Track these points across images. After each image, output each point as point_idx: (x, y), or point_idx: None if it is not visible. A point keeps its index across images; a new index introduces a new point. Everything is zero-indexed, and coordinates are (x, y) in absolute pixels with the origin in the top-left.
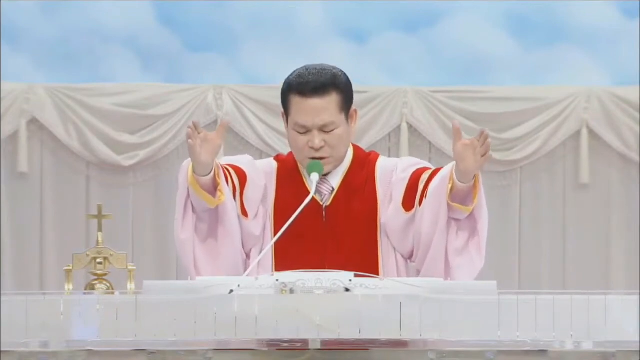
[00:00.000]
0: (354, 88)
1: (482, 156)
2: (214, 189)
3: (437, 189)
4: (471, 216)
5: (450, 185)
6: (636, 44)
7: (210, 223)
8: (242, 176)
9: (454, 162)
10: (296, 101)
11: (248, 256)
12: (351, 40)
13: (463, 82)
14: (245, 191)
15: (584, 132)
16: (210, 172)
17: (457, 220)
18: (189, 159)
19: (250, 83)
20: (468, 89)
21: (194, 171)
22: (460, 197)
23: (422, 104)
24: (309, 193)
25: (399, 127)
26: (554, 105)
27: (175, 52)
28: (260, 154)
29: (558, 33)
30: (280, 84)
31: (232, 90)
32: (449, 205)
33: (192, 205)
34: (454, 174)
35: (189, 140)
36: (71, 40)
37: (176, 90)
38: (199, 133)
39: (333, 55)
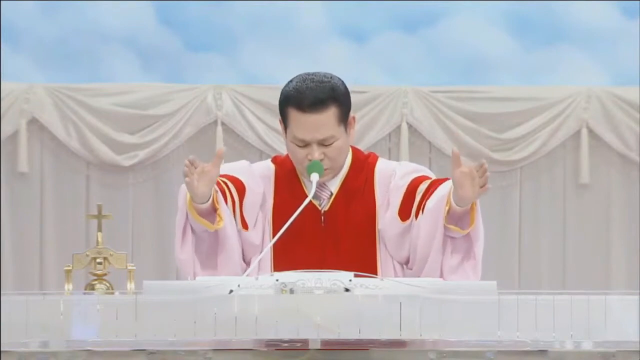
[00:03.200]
0: (354, 89)
1: (481, 187)
2: (213, 211)
3: (434, 208)
4: (467, 237)
5: (447, 208)
6: (636, 44)
7: (210, 243)
8: (241, 188)
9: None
10: (294, 115)
11: (249, 265)
12: (351, 40)
13: (463, 82)
14: (244, 202)
15: (584, 132)
16: (209, 199)
17: (452, 239)
18: None
19: (250, 83)
20: (468, 89)
21: (192, 199)
22: (457, 218)
23: (422, 104)
24: (307, 197)
25: (399, 127)
26: (554, 105)
27: (175, 52)
28: (260, 154)
29: (558, 33)
30: (280, 84)
31: (232, 90)
32: (445, 226)
33: (192, 227)
34: (452, 197)
35: (186, 178)
36: (71, 40)
37: (176, 90)
38: (195, 168)
39: (333, 55)
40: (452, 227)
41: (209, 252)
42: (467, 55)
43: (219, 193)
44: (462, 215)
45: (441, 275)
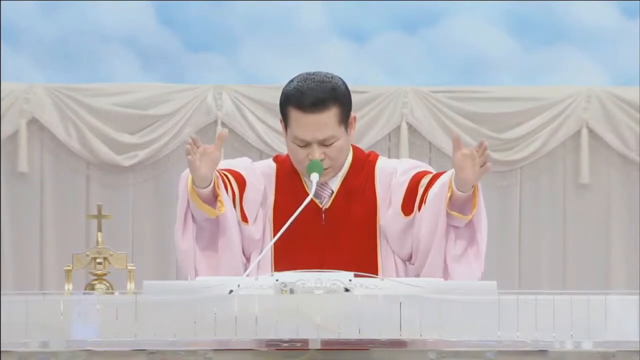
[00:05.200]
0: (354, 89)
1: (481, 167)
2: (214, 198)
3: (436, 196)
4: (470, 224)
5: (449, 194)
6: (636, 44)
7: (210, 232)
8: (241, 182)
9: (454, 170)
10: (295, 115)
11: (249, 260)
12: (351, 40)
13: (463, 82)
14: (244, 197)
15: (584, 132)
16: (210, 183)
17: (455, 228)
18: (188, 169)
19: (250, 83)
20: (468, 89)
21: (193, 183)
22: (459, 205)
23: (422, 104)
24: (308, 195)
25: (399, 127)
26: (554, 105)
27: (175, 52)
28: (260, 154)
29: (558, 33)
30: (280, 84)
31: (232, 90)
32: (447, 213)
33: (193, 215)
34: (453, 183)
35: (189, 156)
36: (71, 40)
37: (176, 90)
38: (197, 147)
39: (333, 55)
40: (454, 213)
41: (209, 240)
42: (467, 55)
43: (220, 180)
44: (465, 201)
45: (444, 265)
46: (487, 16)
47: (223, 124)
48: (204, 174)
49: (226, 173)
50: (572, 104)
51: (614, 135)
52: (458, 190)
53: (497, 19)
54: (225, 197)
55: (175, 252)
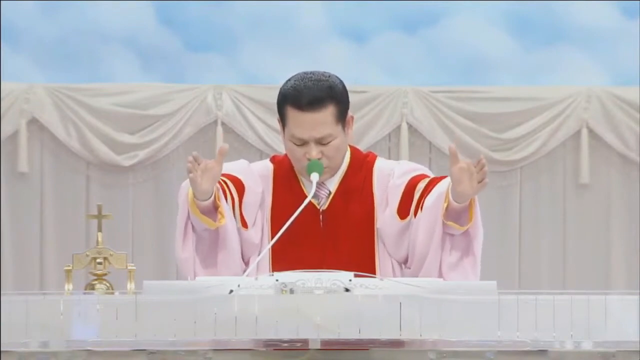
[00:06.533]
0: (354, 89)
1: (479, 182)
2: (214, 209)
3: (433, 205)
4: (466, 234)
5: (445, 204)
6: (636, 44)
7: (210, 242)
8: (240, 187)
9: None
10: (292, 114)
11: (247, 264)
12: (351, 40)
13: (463, 82)
14: (243, 201)
15: (584, 132)
16: (211, 196)
17: (451, 236)
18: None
19: (250, 83)
20: (468, 89)
21: (194, 196)
22: (455, 215)
23: (422, 104)
24: (306, 196)
25: (399, 127)
26: (554, 105)
27: (175, 52)
28: (260, 154)
29: (558, 33)
30: (280, 84)
31: (232, 90)
32: (443, 222)
33: (192, 225)
34: (450, 194)
35: (190, 174)
36: (71, 40)
37: (176, 90)
38: (198, 164)
39: (333, 55)
40: (450, 223)
41: (209, 250)
42: (467, 55)
43: (220, 191)
44: (461, 211)
45: (440, 273)
46: (487, 16)
47: (223, 124)
48: (205, 189)
49: (225, 179)
50: (572, 104)
51: (614, 135)
52: (455, 201)
53: (497, 19)
54: (225, 208)
55: (176, 260)
